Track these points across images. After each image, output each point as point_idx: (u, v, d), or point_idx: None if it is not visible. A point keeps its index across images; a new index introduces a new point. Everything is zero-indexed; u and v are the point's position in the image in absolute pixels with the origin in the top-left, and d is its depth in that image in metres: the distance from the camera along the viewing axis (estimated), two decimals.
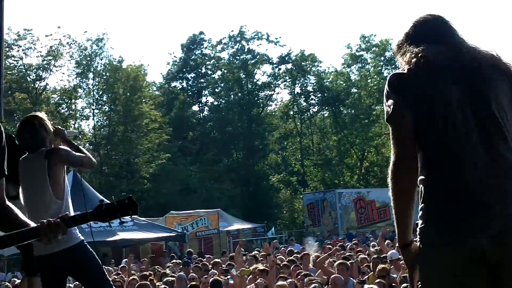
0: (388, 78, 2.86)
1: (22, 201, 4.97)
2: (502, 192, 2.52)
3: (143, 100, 43.47)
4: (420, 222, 2.68)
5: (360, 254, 12.60)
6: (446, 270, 2.57)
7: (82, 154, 5.05)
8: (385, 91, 2.84)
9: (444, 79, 2.69)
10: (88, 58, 42.91)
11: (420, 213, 2.69)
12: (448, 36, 2.87)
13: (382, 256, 11.12)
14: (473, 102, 2.65)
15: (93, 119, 44.17)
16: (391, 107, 2.73)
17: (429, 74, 2.71)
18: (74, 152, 5.00)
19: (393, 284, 8.77)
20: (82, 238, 4.89)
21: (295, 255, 13.43)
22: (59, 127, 5.31)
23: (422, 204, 2.68)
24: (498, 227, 2.47)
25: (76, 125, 43.48)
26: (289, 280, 8.84)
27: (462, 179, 2.57)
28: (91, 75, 43.43)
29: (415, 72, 2.74)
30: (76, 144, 5.30)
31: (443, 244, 2.56)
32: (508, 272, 2.49)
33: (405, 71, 2.78)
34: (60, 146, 5.09)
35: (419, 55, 2.76)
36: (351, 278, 9.19)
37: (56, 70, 42.32)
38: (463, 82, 2.68)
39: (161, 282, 10.73)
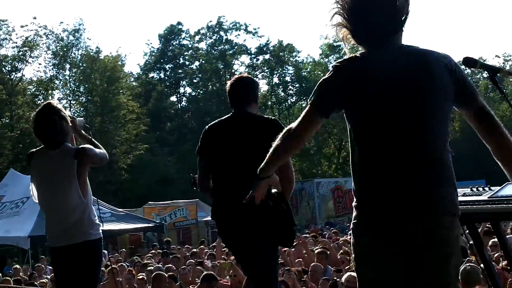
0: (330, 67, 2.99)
1: (36, 200, 4.92)
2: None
3: (121, 91, 43.23)
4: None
5: (337, 243, 12.72)
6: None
7: (102, 151, 5.00)
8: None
9: (378, 82, 2.76)
10: (65, 49, 42.52)
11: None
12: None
13: None
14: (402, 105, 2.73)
15: (70, 110, 43.79)
16: (313, 97, 2.89)
17: (364, 75, 2.81)
18: (97, 151, 4.92)
19: None
20: (101, 235, 4.86)
21: None
22: (74, 118, 5.12)
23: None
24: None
25: None
26: None
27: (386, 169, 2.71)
28: (68, 66, 43.09)
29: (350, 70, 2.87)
30: (88, 136, 5.17)
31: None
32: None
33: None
34: (86, 146, 4.92)
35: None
36: (330, 267, 9.31)
37: (32, 61, 41.98)
38: (396, 86, 2.74)
39: (142, 273, 10.79)
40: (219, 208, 4.36)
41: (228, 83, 4.65)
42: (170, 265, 11.44)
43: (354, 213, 2.84)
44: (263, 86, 52.58)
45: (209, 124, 4.58)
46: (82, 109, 43.43)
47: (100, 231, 4.87)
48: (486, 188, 3.90)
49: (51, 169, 4.74)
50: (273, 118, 4.57)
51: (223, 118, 4.52)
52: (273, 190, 4.10)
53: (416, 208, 2.65)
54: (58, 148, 4.76)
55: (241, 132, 4.28)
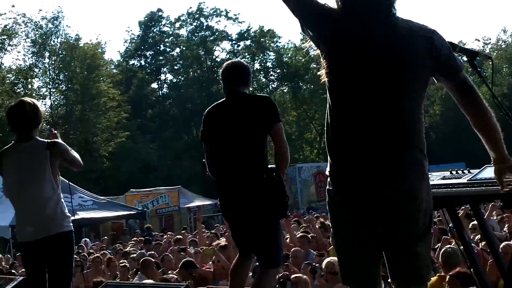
0: None
1: (5, 194, 4.93)
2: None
3: (101, 79, 42.89)
4: None
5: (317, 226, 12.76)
6: None
7: (76, 155, 5.05)
8: None
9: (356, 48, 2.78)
10: (44, 37, 42.01)
11: None
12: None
13: None
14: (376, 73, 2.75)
15: (50, 98, 43.41)
16: None
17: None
18: (70, 150, 4.98)
19: None
20: (72, 228, 4.91)
21: None
22: (53, 131, 5.16)
23: None
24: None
25: None
26: None
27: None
28: (47, 54, 42.60)
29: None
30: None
31: None
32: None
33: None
34: (59, 140, 4.98)
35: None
36: (312, 251, 9.33)
37: (11, 49, 41.49)
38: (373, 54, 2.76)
39: (124, 260, 10.76)
40: (222, 186, 4.50)
41: (223, 66, 4.80)
42: (152, 252, 11.42)
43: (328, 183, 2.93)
44: None
45: (208, 109, 4.71)
46: (62, 97, 43.07)
47: (71, 223, 4.92)
48: (466, 171, 3.92)
49: (24, 162, 4.76)
50: (266, 96, 4.78)
51: (219, 101, 4.66)
52: (270, 166, 4.31)
53: (382, 168, 2.72)
54: (30, 140, 4.80)
55: (238, 112, 4.44)
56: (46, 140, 4.88)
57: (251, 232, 4.43)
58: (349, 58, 2.77)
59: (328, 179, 2.93)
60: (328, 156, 2.94)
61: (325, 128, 2.96)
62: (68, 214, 4.90)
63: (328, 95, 2.92)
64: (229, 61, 4.90)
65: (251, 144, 4.31)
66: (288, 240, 10.40)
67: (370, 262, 2.87)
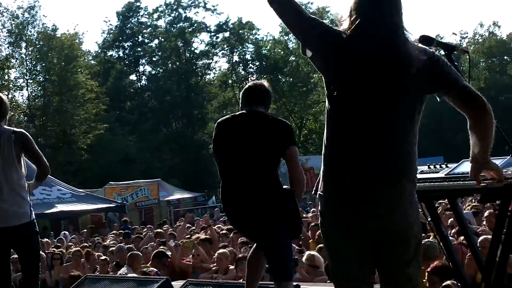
0: None
1: None
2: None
3: (79, 70, 42.57)
4: None
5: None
6: None
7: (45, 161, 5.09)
8: None
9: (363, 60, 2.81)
10: (20, 27, 41.54)
11: None
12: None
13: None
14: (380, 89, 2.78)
15: (27, 89, 43.03)
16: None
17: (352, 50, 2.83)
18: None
19: None
20: (34, 217, 5.00)
21: None
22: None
23: None
24: None
25: (10, 96, 42.28)
26: (229, 248, 8.99)
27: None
28: (23, 44, 42.20)
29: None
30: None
31: None
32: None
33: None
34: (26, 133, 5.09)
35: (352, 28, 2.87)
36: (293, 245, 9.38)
37: None
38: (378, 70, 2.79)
39: (101, 254, 10.74)
40: (228, 201, 4.48)
41: (246, 85, 4.88)
42: (131, 245, 11.39)
43: (321, 187, 2.92)
44: (223, 64, 52.33)
45: (224, 117, 4.71)
46: (39, 88, 42.68)
47: (33, 213, 5.02)
48: (443, 165, 3.97)
49: None
50: (284, 120, 4.74)
51: (236, 113, 4.64)
52: (285, 187, 4.35)
53: (381, 198, 2.77)
54: None
55: (255, 128, 4.41)
56: (10, 128, 4.98)
57: (264, 248, 4.41)
58: (354, 74, 2.81)
59: (322, 198, 2.92)
60: (324, 175, 2.91)
61: (324, 143, 2.94)
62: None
63: (329, 108, 2.92)
64: (253, 82, 4.91)
65: (264, 162, 4.32)
66: None
67: (364, 276, 2.93)
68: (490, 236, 4.46)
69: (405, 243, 2.83)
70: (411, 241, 2.84)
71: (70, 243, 14.33)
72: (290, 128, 4.51)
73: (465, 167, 3.59)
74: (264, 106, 4.60)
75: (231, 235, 10.68)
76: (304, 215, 14.08)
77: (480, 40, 60.12)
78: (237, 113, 4.62)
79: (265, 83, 4.89)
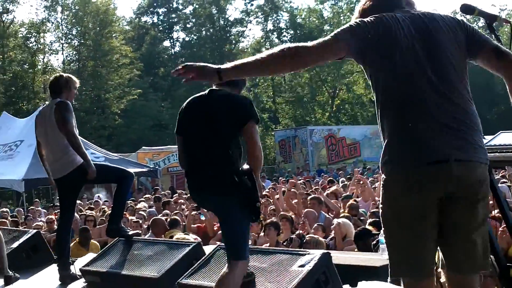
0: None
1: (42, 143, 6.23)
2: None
3: (113, 35, 42.82)
4: None
5: (328, 190, 12.85)
6: None
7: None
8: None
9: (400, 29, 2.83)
10: None
11: None
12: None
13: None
14: (426, 49, 2.81)
15: (62, 53, 43.50)
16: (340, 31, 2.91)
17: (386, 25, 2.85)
18: (71, 122, 5.90)
19: (362, 218, 9.10)
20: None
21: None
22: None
23: None
24: None
25: (45, 60, 42.79)
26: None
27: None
28: (59, 9, 42.53)
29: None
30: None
31: None
32: None
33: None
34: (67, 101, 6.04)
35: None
36: (323, 212, 9.44)
37: (24, 3, 41.43)
38: (418, 33, 2.83)
39: (134, 217, 10.91)
40: (191, 180, 4.52)
41: None
42: (167, 211, 11.54)
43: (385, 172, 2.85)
44: (257, 32, 52.03)
45: (187, 100, 4.64)
46: (74, 52, 43.09)
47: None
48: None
49: (47, 118, 6.11)
50: (244, 96, 4.77)
51: (199, 94, 4.60)
52: (245, 166, 4.21)
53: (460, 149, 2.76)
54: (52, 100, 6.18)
55: (211, 107, 4.38)
56: (59, 99, 6.06)
57: (221, 228, 4.54)
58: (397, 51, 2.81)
59: (388, 171, 2.83)
60: (389, 145, 2.83)
61: (381, 114, 2.88)
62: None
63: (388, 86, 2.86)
64: None
65: (220, 140, 4.24)
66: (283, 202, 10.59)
67: (431, 253, 2.86)
68: None
69: (482, 200, 2.83)
70: (485, 202, 2.85)
71: (103, 206, 14.56)
72: (246, 103, 4.33)
73: (502, 138, 3.55)
74: (231, 86, 4.46)
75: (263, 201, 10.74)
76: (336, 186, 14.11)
77: None
78: (197, 94, 4.61)
79: None
